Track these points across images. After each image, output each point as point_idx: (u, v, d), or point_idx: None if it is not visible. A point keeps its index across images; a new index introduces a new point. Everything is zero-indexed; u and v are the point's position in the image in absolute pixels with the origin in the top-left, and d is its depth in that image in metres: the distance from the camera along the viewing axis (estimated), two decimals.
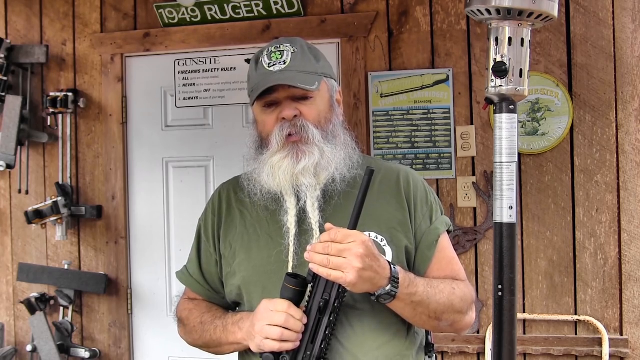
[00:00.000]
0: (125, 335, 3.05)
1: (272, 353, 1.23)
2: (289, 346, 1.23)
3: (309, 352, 1.24)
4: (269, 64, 1.38)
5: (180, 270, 1.58)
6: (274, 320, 1.22)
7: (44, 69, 3.12)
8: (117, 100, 3.05)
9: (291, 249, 1.36)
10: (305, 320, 1.23)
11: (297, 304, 1.25)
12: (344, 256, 1.18)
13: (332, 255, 1.19)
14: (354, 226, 1.24)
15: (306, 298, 1.26)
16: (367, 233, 1.28)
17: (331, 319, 1.24)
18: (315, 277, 1.23)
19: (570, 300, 2.62)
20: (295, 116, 1.36)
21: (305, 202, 1.36)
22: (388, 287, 1.23)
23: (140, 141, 3.08)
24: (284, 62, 1.37)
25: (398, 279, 1.25)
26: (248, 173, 1.45)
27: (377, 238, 1.33)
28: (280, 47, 1.40)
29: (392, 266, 1.25)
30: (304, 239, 1.37)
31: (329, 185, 1.38)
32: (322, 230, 1.35)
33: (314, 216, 1.36)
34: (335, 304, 1.23)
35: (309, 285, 1.25)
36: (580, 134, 2.62)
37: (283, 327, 1.22)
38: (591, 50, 2.61)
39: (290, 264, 1.35)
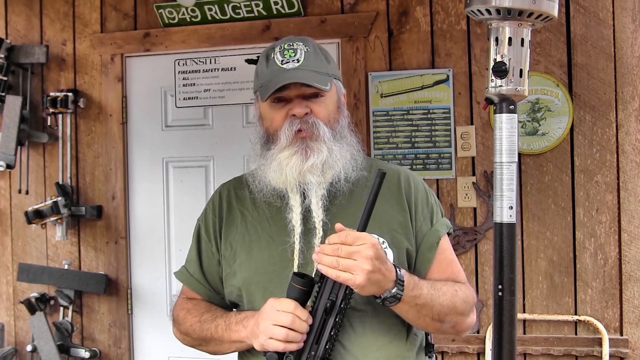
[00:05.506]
0: (125, 335, 3.05)
1: (276, 352, 1.23)
2: (293, 347, 1.23)
3: (313, 353, 1.24)
4: (282, 61, 1.37)
5: (179, 271, 1.57)
6: (280, 320, 1.22)
7: (44, 69, 3.12)
8: (117, 100, 3.05)
9: (297, 247, 1.36)
10: (310, 322, 1.24)
11: (303, 303, 1.25)
12: (353, 258, 1.18)
13: (342, 257, 1.18)
14: (363, 228, 1.24)
15: (312, 298, 1.26)
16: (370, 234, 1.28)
17: (337, 320, 1.24)
18: (323, 277, 1.23)
19: (570, 300, 2.62)
20: (306, 113, 1.36)
21: (310, 200, 1.36)
22: (394, 290, 1.23)
23: (140, 141, 3.08)
24: (298, 61, 1.37)
25: (403, 281, 1.25)
26: (253, 170, 1.45)
27: (378, 240, 1.33)
28: (293, 45, 1.40)
29: (398, 269, 1.25)
30: (307, 238, 1.37)
31: (334, 184, 1.38)
32: (325, 229, 1.35)
33: (317, 215, 1.36)
34: (342, 305, 1.24)
35: (316, 285, 1.25)
36: (580, 134, 2.62)
37: (288, 328, 1.22)
38: (591, 50, 2.61)
39: (296, 262, 1.35)
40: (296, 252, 1.35)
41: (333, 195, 1.39)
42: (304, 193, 1.37)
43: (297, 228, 1.36)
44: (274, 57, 1.39)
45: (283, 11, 2.84)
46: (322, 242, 1.32)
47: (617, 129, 2.59)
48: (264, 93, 1.36)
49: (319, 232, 1.35)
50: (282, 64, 1.37)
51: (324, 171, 1.36)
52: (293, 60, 1.37)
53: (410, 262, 1.41)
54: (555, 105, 2.63)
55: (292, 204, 1.38)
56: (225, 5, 2.88)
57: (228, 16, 2.91)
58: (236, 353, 1.47)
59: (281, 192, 1.39)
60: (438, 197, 2.60)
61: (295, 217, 1.37)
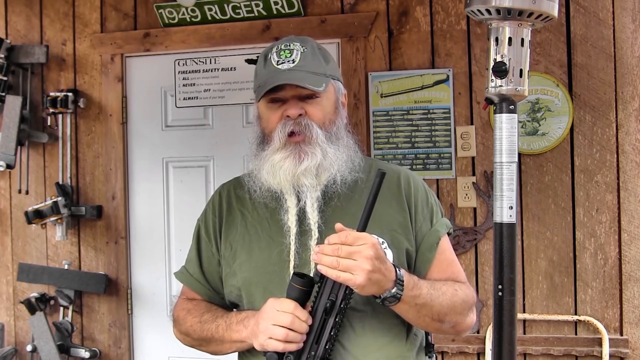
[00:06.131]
0: (125, 335, 3.05)
1: (276, 352, 1.23)
2: (292, 347, 1.23)
3: (313, 353, 1.24)
4: (278, 61, 1.37)
5: (179, 271, 1.57)
6: (280, 320, 1.22)
7: (44, 69, 3.12)
8: (117, 100, 3.05)
9: (292, 248, 1.36)
10: (310, 322, 1.24)
11: (303, 303, 1.25)
12: (354, 258, 1.18)
13: (342, 258, 1.18)
14: (363, 228, 1.24)
15: (312, 298, 1.26)
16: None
17: (337, 320, 1.24)
18: (322, 277, 1.23)
19: (570, 300, 2.62)
20: (300, 115, 1.36)
21: (305, 202, 1.36)
22: (394, 290, 1.23)
23: (140, 141, 3.08)
24: (293, 61, 1.37)
25: (403, 281, 1.25)
26: (250, 171, 1.45)
27: (378, 240, 1.33)
28: (290, 45, 1.40)
29: (397, 269, 1.25)
30: (303, 239, 1.37)
31: (329, 186, 1.38)
32: (320, 230, 1.35)
33: (312, 217, 1.36)
34: (342, 305, 1.24)
35: (315, 286, 1.25)
36: (580, 134, 2.62)
37: (288, 328, 1.22)
38: (591, 50, 2.61)
39: (292, 263, 1.35)
40: (292, 254, 1.36)
41: (328, 197, 1.39)
42: (299, 195, 1.37)
43: (293, 229, 1.36)
44: (270, 57, 1.40)
45: (283, 11, 2.84)
46: (318, 243, 1.33)
47: (617, 129, 2.59)
48: (259, 94, 1.37)
49: (315, 233, 1.35)
50: (277, 65, 1.37)
51: (319, 174, 1.36)
52: (288, 61, 1.37)
53: (410, 262, 1.41)
54: (555, 105, 2.63)
55: (288, 206, 1.38)
56: (225, 5, 2.88)
57: (228, 16, 2.91)
58: (236, 353, 1.47)
59: (276, 193, 1.40)
60: (438, 197, 2.60)
61: (291, 219, 1.37)
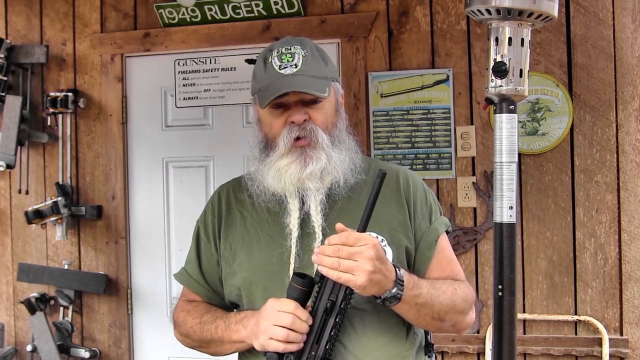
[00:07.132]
0: (125, 335, 3.05)
1: (276, 353, 1.23)
2: (293, 347, 1.23)
3: (313, 353, 1.24)
4: (280, 65, 1.36)
5: (178, 272, 1.57)
6: (280, 320, 1.22)
7: (44, 69, 3.12)
8: (117, 100, 3.05)
9: (293, 251, 1.36)
10: (310, 322, 1.24)
11: (304, 304, 1.25)
12: (355, 259, 1.18)
13: (343, 258, 1.18)
14: (363, 228, 1.24)
15: (312, 298, 1.26)
16: (369, 233, 1.28)
17: (337, 320, 1.24)
18: (323, 277, 1.23)
19: (570, 300, 2.62)
20: (305, 120, 1.36)
21: (309, 205, 1.36)
22: (394, 290, 1.23)
23: (140, 141, 3.08)
24: (296, 66, 1.36)
25: (403, 281, 1.25)
26: (251, 173, 1.45)
27: (377, 238, 1.33)
28: (290, 48, 1.38)
29: (397, 268, 1.25)
30: (306, 242, 1.37)
31: (333, 189, 1.38)
32: (324, 233, 1.35)
33: (317, 220, 1.36)
34: (342, 305, 1.24)
35: (316, 286, 1.25)
36: (580, 134, 2.62)
37: (289, 329, 1.22)
38: (591, 50, 2.61)
39: (292, 266, 1.35)
40: (292, 256, 1.36)
41: (332, 199, 1.39)
42: (302, 198, 1.37)
43: (294, 232, 1.36)
44: (271, 61, 1.38)
45: (283, 11, 2.84)
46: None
47: (617, 129, 2.59)
48: (262, 99, 1.36)
49: (319, 236, 1.35)
50: (279, 69, 1.36)
51: (323, 177, 1.36)
52: (291, 65, 1.36)
53: (409, 261, 1.41)
54: (555, 105, 2.63)
55: (291, 209, 1.38)
56: (225, 5, 2.88)
57: (228, 16, 2.91)
58: (236, 353, 1.47)
59: (280, 196, 1.39)
60: (438, 197, 2.60)
61: (293, 222, 1.37)
